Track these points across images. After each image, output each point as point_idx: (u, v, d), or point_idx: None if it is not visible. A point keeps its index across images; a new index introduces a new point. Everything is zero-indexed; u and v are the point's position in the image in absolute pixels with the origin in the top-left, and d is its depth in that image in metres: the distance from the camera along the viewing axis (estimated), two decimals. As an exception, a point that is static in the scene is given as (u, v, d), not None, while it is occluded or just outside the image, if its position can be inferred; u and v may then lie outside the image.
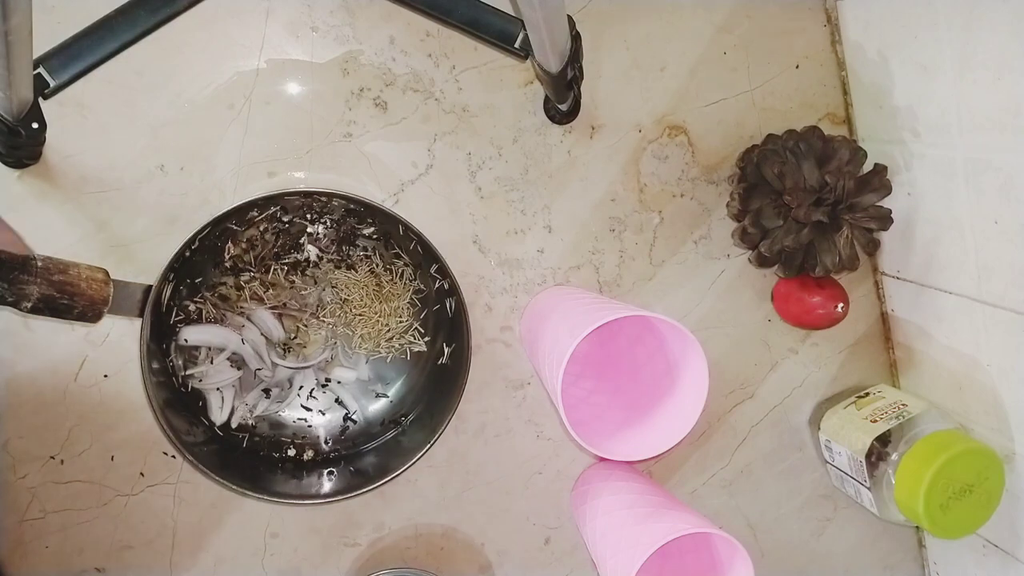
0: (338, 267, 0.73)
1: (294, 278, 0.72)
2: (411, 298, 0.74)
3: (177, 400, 0.68)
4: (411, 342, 0.74)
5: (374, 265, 0.73)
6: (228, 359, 0.70)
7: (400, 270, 0.73)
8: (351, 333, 0.73)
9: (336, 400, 0.74)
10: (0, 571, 0.70)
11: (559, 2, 0.56)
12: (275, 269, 0.71)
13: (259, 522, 0.74)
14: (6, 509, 0.67)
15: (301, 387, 0.74)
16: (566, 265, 0.77)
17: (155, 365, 0.65)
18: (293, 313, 0.72)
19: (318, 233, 0.72)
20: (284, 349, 0.72)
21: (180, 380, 0.69)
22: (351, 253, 0.73)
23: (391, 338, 0.74)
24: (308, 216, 0.71)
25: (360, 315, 0.73)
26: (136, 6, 0.63)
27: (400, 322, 0.74)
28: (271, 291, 0.71)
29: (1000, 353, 0.69)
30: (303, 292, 0.72)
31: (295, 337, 0.73)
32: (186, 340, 0.69)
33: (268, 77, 0.69)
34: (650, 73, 0.76)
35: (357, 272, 0.73)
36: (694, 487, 0.82)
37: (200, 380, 0.70)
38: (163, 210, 0.69)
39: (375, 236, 0.73)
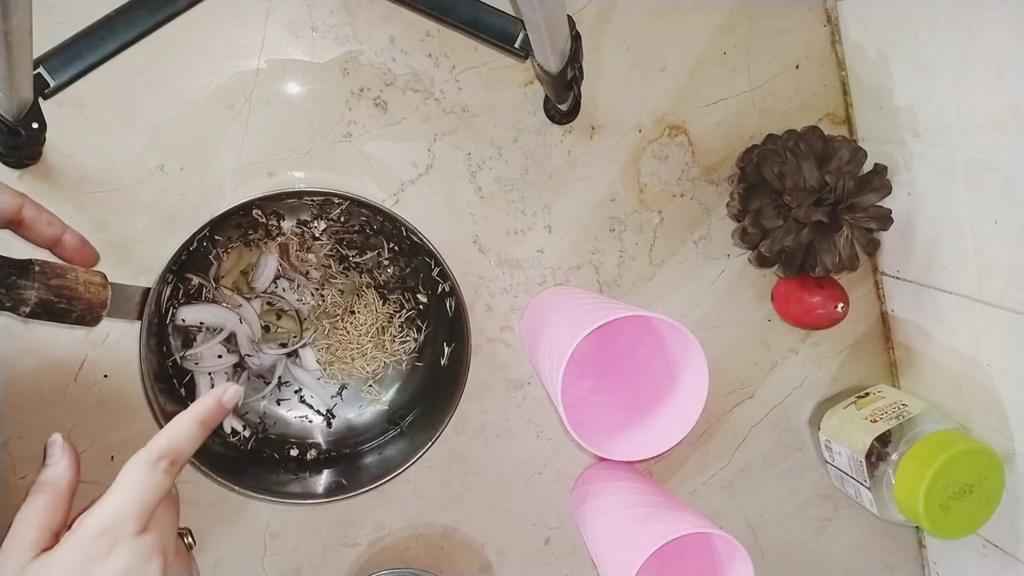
0: (376, 288, 0.73)
1: (331, 264, 0.72)
2: (391, 364, 0.74)
3: (178, 400, 0.68)
4: (367, 391, 0.75)
5: (397, 315, 0.74)
6: (222, 343, 0.70)
7: (409, 339, 0.74)
8: (325, 335, 0.73)
9: (301, 399, 0.74)
10: None
11: (559, 2, 0.56)
12: (324, 243, 0.71)
13: (259, 522, 0.74)
14: (6, 509, 0.67)
15: (286, 382, 0.73)
16: (566, 265, 0.77)
17: (155, 365, 0.65)
18: (302, 277, 0.72)
19: (385, 259, 0.72)
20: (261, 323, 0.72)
21: (180, 381, 0.69)
22: (393, 290, 0.73)
23: (345, 372, 0.74)
24: (392, 243, 0.72)
25: (346, 333, 0.73)
26: (136, 6, 0.63)
27: (364, 370, 0.74)
28: (300, 252, 0.71)
29: (1000, 353, 0.69)
30: (332, 278, 0.72)
31: (296, 338, 0.73)
32: (183, 320, 0.68)
33: (268, 77, 0.69)
34: (650, 73, 0.76)
35: (382, 305, 0.73)
36: (694, 487, 0.82)
37: (196, 363, 0.69)
38: (163, 210, 0.69)
39: (425, 302, 0.74)
